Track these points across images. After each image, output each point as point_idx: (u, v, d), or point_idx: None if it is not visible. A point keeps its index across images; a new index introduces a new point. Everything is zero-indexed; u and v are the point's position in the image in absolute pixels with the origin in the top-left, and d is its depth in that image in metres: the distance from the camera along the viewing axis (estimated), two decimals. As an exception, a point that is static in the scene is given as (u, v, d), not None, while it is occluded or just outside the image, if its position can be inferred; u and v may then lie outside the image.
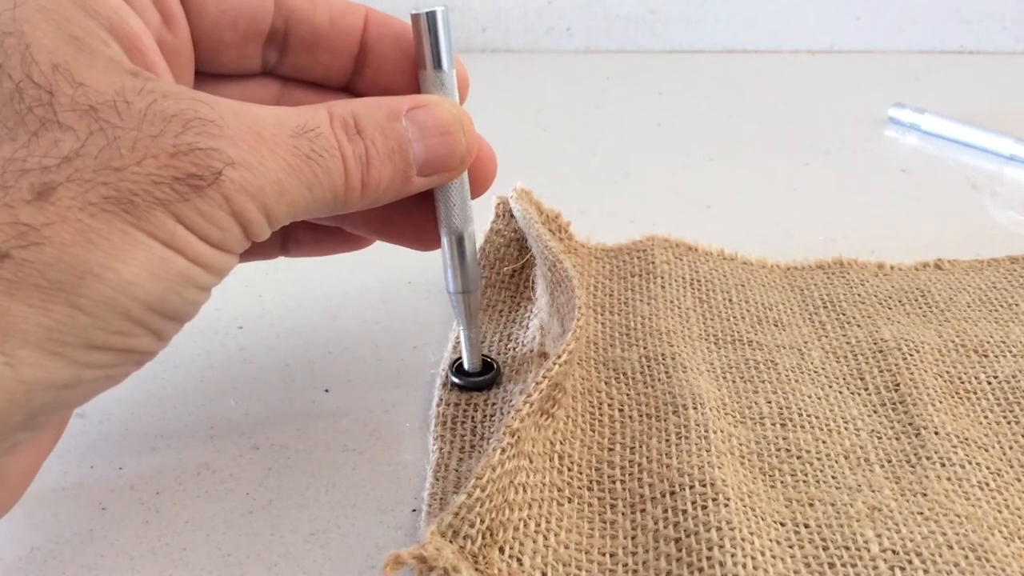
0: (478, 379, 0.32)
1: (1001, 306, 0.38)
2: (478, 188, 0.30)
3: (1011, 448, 0.30)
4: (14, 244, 0.20)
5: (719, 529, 0.25)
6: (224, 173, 0.22)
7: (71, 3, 0.22)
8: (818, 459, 0.29)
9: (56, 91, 0.21)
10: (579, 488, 0.28)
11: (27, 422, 0.21)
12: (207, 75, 0.28)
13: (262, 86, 0.29)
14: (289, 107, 0.25)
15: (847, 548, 0.25)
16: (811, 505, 0.27)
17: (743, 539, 0.25)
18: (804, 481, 0.28)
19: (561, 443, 0.29)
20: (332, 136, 0.25)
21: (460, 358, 0.33)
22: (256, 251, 0.29)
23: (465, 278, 0.30)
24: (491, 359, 0.33)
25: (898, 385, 0.32)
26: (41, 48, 0.21)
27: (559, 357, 0.29)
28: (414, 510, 0.28)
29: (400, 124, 0.26)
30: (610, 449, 0.29)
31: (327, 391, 0.33)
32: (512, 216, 0.39)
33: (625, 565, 0.25)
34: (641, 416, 0.31)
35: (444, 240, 0.30)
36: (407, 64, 0.29)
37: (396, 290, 0.40)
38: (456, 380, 0.32)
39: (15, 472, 0.24)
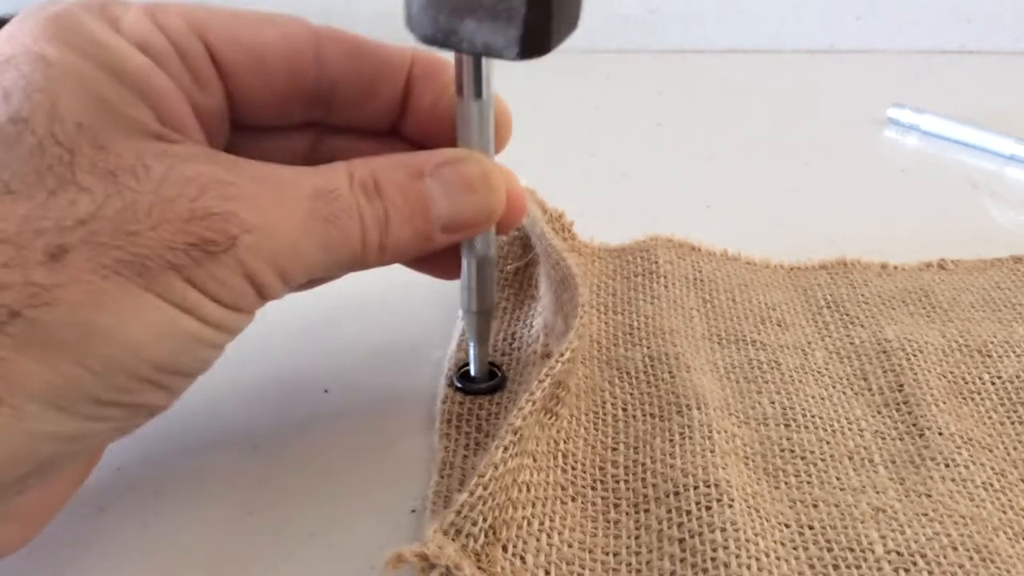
0: (482, 386, 0.32)
1: (1005, 306, 0.38)
2: (504, 229, 0.30)
3: (1015, 448, 0.30)
4: (25, 304, 0.20)
5: (723, 530, 0.25)
6: (239, 239, 0.22)
7: (100, 67, 0.22)
8: (822, 460, 0.29)
9: (77, 151, 0.21)
10: (583, 487, 0.28)
11: (37, 471, 0.21)
12: (246, 127, 0.28)
13: (302, 136, 0.29)
14: (311, 167, 0.25)
15: (851, 549, 0.25)
16: (815, 506, 0.27)
17: (747, 540, 0.25)
18: (808, 482, 0.28)
19: (565, 442, 0.29)
20: (352, 198, 0.24)
21: (467, 365, 0.33)
22: None
23: (483, 299, 0.30)
24: (495, 366, 0.33)
25: (902, 386, 0.32)
26: (68, 107, 0.21)
27: (562, 355, 0.29)
28: (414, 510, 0.28)
29: (422, 184, 0.26)
30: (614, 448, 0.29)
31: (327, 391, 0.33)
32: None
33: (629, 565, 0.25)
34: (645, 416, 0.31)
35: (465, 262, 0.29)
36: (450, 103, 0.28)
37: (396, 290, 0.40)
38: (460, 386, 0.32)
39: (37, 507, 0.24)
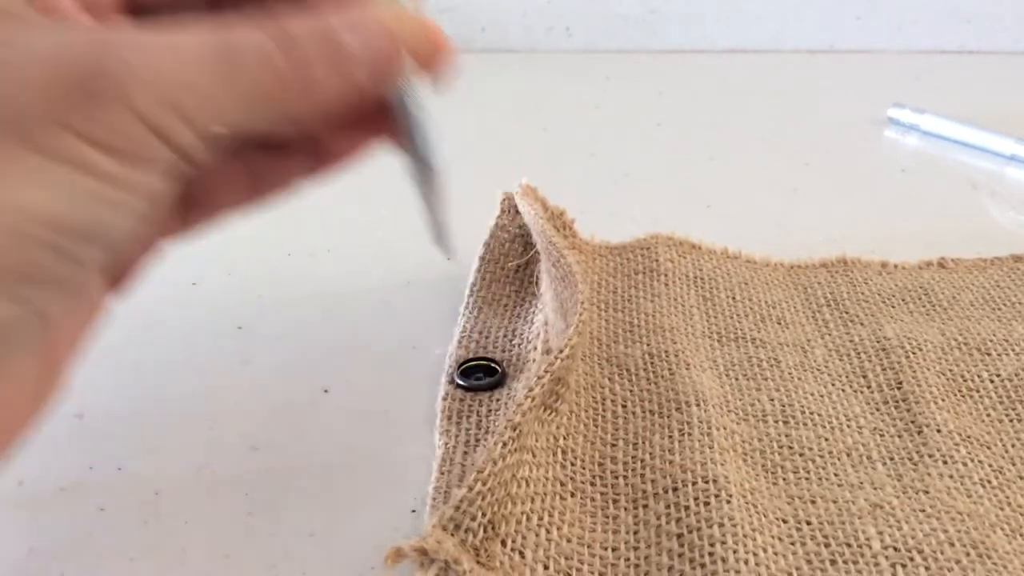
0: (483, 383, 0.32)
1: (1004, 304, 0.38)
2: (427, 63, 0.27)
3: (1013, 446, 0.30)
4: None
5: (721, 525, 0.25)
6: (124, 80, 0.20)
7: None
8: (820, 456, 0.29)
9: None
10: (582, 483, 0.28)
11: None
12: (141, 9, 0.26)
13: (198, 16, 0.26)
14: (213, 30, 0.23)
15: (849, 545, 0.25)
16: (813, 502, 0.27)
17: (745, 536, 0.25)
18: (806, 478, 0.28)
19: (564, 438, 0.29)
20: (265, 44, 0.23)
21: (468, 359, 0.33)
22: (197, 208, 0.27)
23: (418, 148, 0.28)
24: (495, 362, 0.33)
25: (900, 383, 0.32)
26: None
27: (561, 352, 0.29)
28: (414, 510, 0.28)
29: (333, 26, 0.24)
30: (613, 445, 0.29)
31: (327, 391, 0.33)
32: (517, 212, 0.39)
33: (627, 560, 0.25)
34: (644, 412, 0.31)
35: (398, 118, 0.28)
36: None
37: (396, 290, 0.40)
38: (461, 383, 0.32)
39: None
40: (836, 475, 0.28)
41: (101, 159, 0.20)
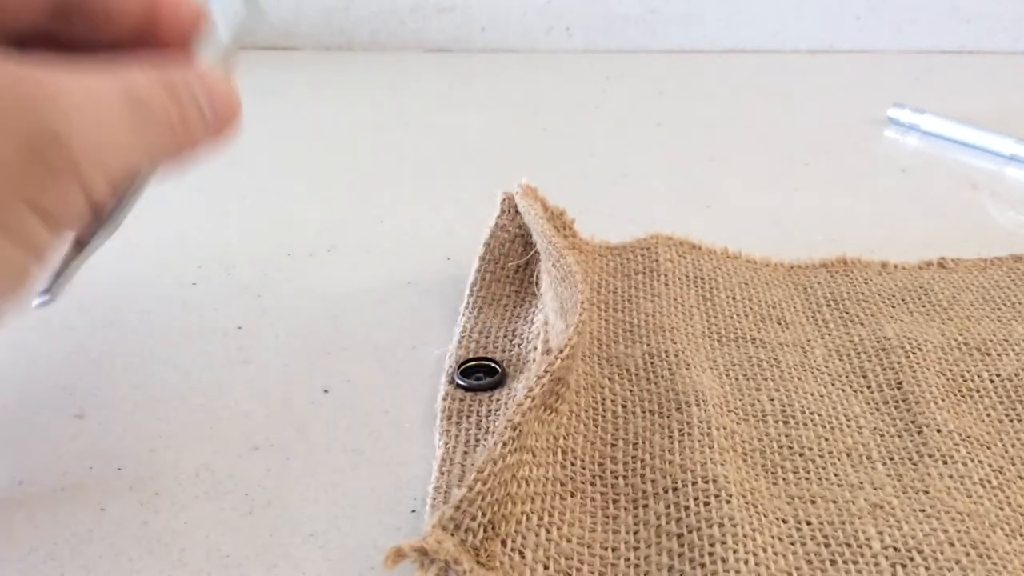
0: (483, 383, 0.32)
1: (1004, 304, 0.38)
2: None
3: (1013, 446, 0.30)
4: None
5: (721, 525, 0.25)
6: (73, 143, 0.21)
7: None
8: (820, 456, 0.29)
9: None
10: (582, 483, 0.28)
11: None
12: None
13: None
14: (112, 70, 0.24)
15: (848, 545, 0.25)
16: (813, 502, 0.27)
17: (745, 535, 0.25)
18: (806, 478, 0.28)
19: (564, 438, 0.29)
20: (163, 107, 0.24)
21: (468, 359, 0.33)
22: None
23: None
24: (495, 362, 0.33)
25: (900, 383, 0.32)
26: None
27: (561, 351, 0.29)
28: (414, 511, 0.28)
29: (202, 83, 0.26)
30: (613, 445, 0.29)
31: (327, 391, 0.33)
32: (517, 212, 0.39)
33: (627, 560, 0.25)
34: (644, 412, 0.31)
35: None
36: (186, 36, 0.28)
37: (396, 290, 0.40)
38: (461, 383, 0.32)
39: None
40: (836, 475, 0.28)
41: (41, 231, 0.21)
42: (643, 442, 0.29)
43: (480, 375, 0.33)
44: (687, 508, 0.26)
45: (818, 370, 0.33)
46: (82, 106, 0.22)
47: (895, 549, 0.25)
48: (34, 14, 0.27)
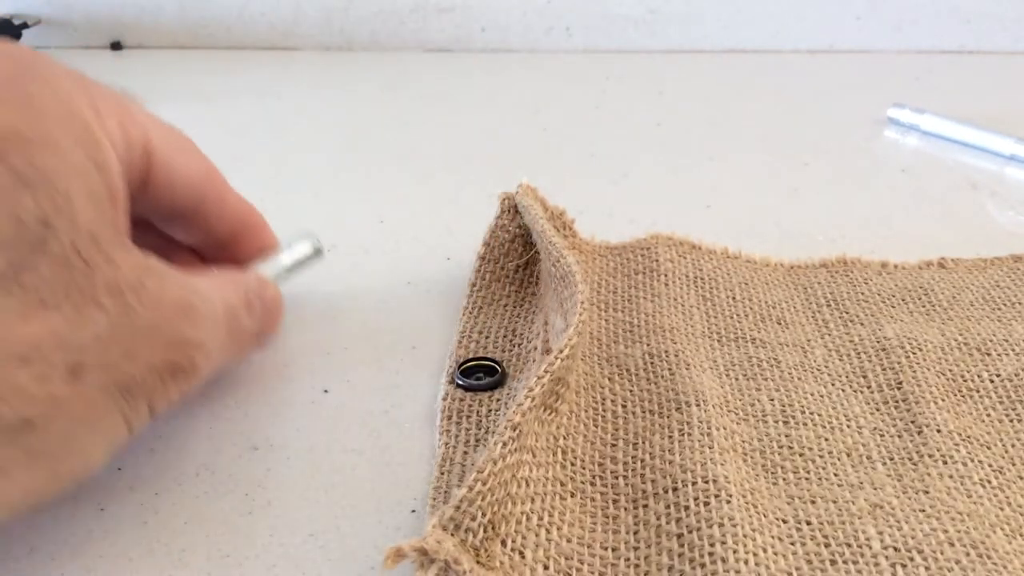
0: (483, 383, 0.32)
1: (1004, 304, 0.38)
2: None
3: (1013, 446, 0.30)
4: (41, 415, 0.22)
5: (721, 525, 0.25)
6: (199, 365, 0.26)
7: (96, 167, 0.24)
8: (820, 456, 0.29)
9: (95, 267, 0.23)
10: (582, 483, 0.28)
11: None
12: None
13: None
14: (215, 278, 0.29)
15: (848, 545, 0.25)
16: (813, 502, 0.27)
17: (745, 536, 0.25)
18: (806, 478, 0.28)
19: (564, 438, 0.29)
20: (246, 319, 0.29)
21: (468, 359, 0.33)
22: None
23: None
24: (495, 362, 0.33)
25: (900, 383, 0.32)
26: (82, 213, 0.23)
27: (561, 351, 0.29)
28: (414, 511, 0.28)
29: (266, 295, 0.31)
30: (613, 445, 0.29)
31: (327, 391, 0.33)
32: (517, 212, 0.39)
33: (627, 560, 0.25)
34: (644, 412, 0.31)
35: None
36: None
37: (396, 290, 0.40)
38: (461, 383, 0.32)
39: None
40: (836, 475, 0.28)
41: (144, 422, 0.25)
42: (643, 442, 0.29)
43: (480, 375, 0.33)
44: (687, 508, 0.26)
45: (818, 370, 0.33)
46: (209, 316, 0.26)
47: (895, 549, 0.25)
48: (158, 217, 0.32)
